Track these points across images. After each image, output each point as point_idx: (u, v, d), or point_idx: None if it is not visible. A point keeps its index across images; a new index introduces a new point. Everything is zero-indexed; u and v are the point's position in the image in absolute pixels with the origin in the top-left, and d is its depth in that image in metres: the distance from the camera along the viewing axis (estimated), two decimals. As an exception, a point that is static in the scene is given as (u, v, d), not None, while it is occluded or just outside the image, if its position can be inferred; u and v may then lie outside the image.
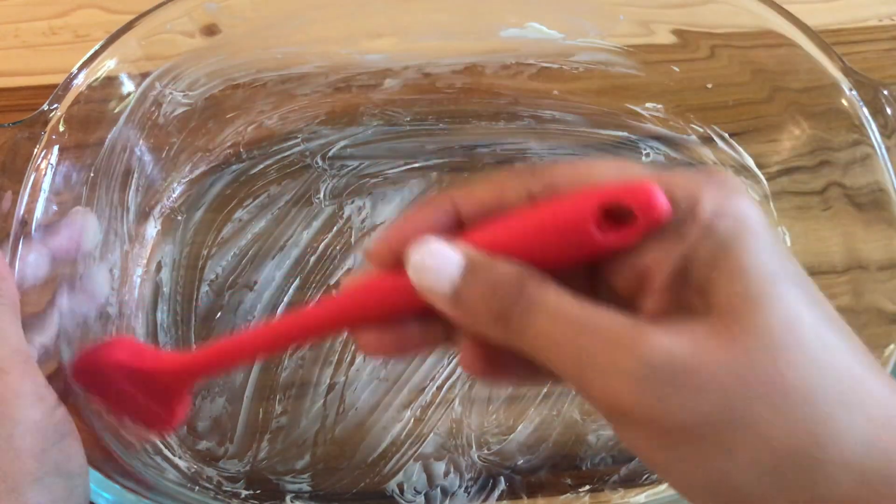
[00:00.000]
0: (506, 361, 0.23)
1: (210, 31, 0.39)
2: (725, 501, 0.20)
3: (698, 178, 0.21)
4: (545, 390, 0.39)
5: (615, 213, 0.20)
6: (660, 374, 0.19)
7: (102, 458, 0.33)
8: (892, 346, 0.31)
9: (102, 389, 0.32)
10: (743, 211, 0.20)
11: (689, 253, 0.20)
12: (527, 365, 0.22)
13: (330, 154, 0.45)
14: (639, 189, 0.20)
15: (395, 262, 0.22)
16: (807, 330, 0.19)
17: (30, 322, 0.34)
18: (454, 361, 0.40)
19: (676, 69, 0.42)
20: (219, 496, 0.37)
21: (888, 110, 0.35)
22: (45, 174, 0.36)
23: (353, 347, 0.41)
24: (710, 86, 0.43)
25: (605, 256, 0.21)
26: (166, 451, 0.38)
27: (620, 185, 0.20)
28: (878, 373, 0.20)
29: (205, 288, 0.42)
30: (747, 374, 0.18)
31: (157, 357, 0.31)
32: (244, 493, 0.37)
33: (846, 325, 0.21)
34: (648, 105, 0.44)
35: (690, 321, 0.19)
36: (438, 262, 0.21)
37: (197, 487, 0.37)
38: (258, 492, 0.38)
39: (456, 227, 0.23)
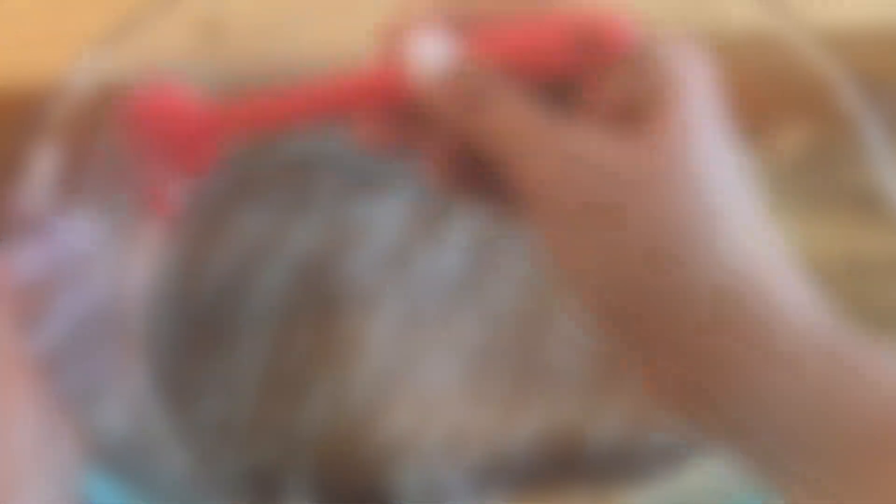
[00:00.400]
0: (467, 171, 0.27)
1: (209, 30, 0.40)
2: (614, 284, 0.23)
3: (670, 39, 0.25)
4: (547, 384, 0.40)
5: (589, 41, 0.25)
6: (573, 158, 0.23)
7: (102, 458, 0.33)
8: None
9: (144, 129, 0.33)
10: (697, 78, 0.24)
11: (637, 91, 0.24)
12: (483, 178, 0.26)
13: (329, 153, 0.45)
14: (614, 20, 0.25)
15: (397, 45, 0.27)
16: (707, 151, 0.23)
17: (27, 323, 0.34)
18: (455, 356, 0.40)
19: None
20: (219, 496, 0.37)
21: (888, 110, 0.36)
22: (44, 175, 0.36)
23: (355, 345, 0.41)
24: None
25: (571, 78, 0.25)
26: (167, 452, 0.38)
27: (600, 15, 0.25)
28: (758, 211, 0.24)
29: (205, 288, 0.42)
30: (647, 167, 0.22)
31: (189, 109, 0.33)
32: (245, 492, 0.38)
33: (746, 176, 0.25)
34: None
35: (613, 129, 0.24)
36: (432, 58, 0.25)
37: (197, 487, 0.37)
38: (259, 491, 0.38)
39: (457, 25, 0.26)
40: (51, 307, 0.35)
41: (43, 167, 0.36)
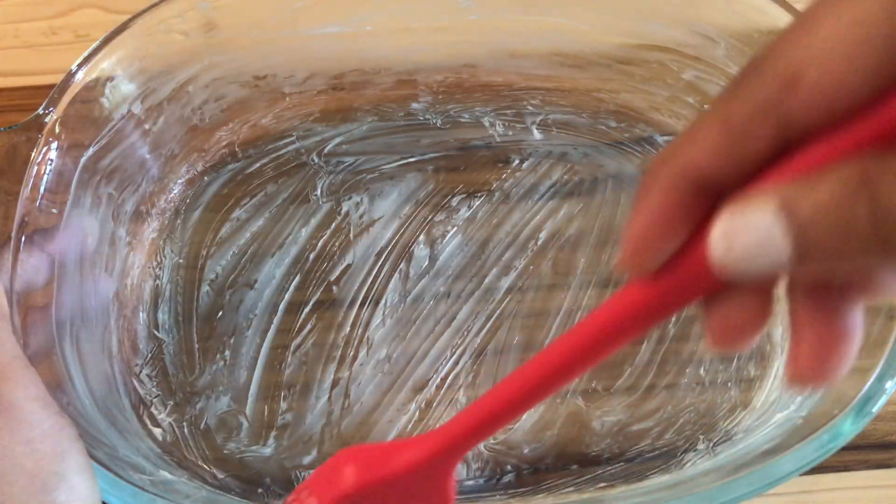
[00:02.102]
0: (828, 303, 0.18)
1: (205, 29, 0.39)
2: None
3: None
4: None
5: None
6: None
7: (110, 458, 0.33)
8: (890, 345, 0.32)
9: None
10: None
11: None
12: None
13: (325, 151, 0.45)
14: None
15: (658, 262, 0.18)
16: None
17: (29, 327, 0.33)
18: (457, 354, 0.41)
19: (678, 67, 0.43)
20: (228, 494, 0.37)
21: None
22: (43, 177, 0.35)
23: (355, 343, 0.41)
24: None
25: None
26: (170, 454, 0.38)
27: None
28: None
29: (205, 287, 0.42)
30: None
31: (400, 452, 0.26)
32: (256, 490, 0.38)
33: None
34: (651, 100, 0.45)
35: None
36: (753, 231, 0.16)
37: (204, 485, 0.37)
38: (268, 488, 0.38)
39: (705, 197, 0.17)
40: (50, 311, 0.35)
41: (42, 170, 0.36)
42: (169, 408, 0.40)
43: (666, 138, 0.45)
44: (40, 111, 0.35)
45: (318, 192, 0.44)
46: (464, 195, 0.44)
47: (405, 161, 0.45)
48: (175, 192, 0.44)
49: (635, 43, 0.42)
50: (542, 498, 0.37)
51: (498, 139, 0.45)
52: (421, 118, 0.46)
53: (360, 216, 0.44)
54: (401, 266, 0.42)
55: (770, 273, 0.16)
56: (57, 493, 0.26)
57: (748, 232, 0.16)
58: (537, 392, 0.22)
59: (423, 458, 0.25)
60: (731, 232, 0.16)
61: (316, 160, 0.45)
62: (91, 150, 0.38)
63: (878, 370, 0.32)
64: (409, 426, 0.39)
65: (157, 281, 0.42)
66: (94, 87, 0.37)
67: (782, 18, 0.37)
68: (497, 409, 0.23)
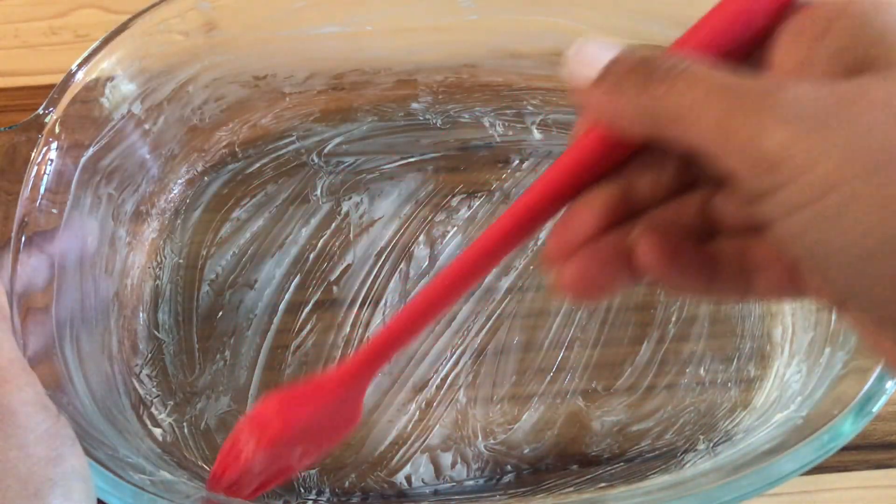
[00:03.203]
0: (684, 252, 0.22)
1: (205, 29, 0.39)
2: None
3: None
4: (548, 378, 0.40)
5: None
6: (810, 112, 0.17)
7: (110, 459, 0.33)
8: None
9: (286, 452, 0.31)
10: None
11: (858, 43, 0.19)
12: (705, 262, 0.22)
13: (325, 151, 0.45)
14: None
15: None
16: None
17: (29, 328, 0.33)
18: (457, 354, 0.41)
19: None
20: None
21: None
22: (43, 177, 0.35)
23: (355, 343, 0.41)
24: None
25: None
26: (170, 454, 0.38)
27: None
28: None
29: (205, 288, 0.42)
30: None
31: (321, 385, 0.30)
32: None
33: None
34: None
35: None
36: (592, 51, 0.22)
37: (204, 485, 0.37)
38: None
39: None
40: (50, 312, 0.35)
41: (41, 170, 0.36)
42: (169, 408, 0.40)
43: (666, 138, 0.45)
44: (40, 111, 0.35)
45: (318, 192, 0.44)
46: (464, 195, 0.44)
47: (405, 161, 0.45)
48: (175, 192, 0.44)
49: (635, 43, 0.42)
50: (542, 498, 0.37)
51: (498, 139, 0.45)
52: (421, 118, 0.46)
53: (360, 216, 0.44)
54: (401, 266, 0.42)
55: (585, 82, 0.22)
56: (50, 499, 0.25)
57: (587, 51, 0.22)
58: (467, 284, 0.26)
59: (343, 387, 0.29)
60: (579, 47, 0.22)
61: (316, 160, 0.45)
62: (91, 150, 0.38)
63: (878, 370, 0.32)
64: (409, 426, 0.39)
65: (157, 281, 0.42)
66: (94, 87, 0.37)
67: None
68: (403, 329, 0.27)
